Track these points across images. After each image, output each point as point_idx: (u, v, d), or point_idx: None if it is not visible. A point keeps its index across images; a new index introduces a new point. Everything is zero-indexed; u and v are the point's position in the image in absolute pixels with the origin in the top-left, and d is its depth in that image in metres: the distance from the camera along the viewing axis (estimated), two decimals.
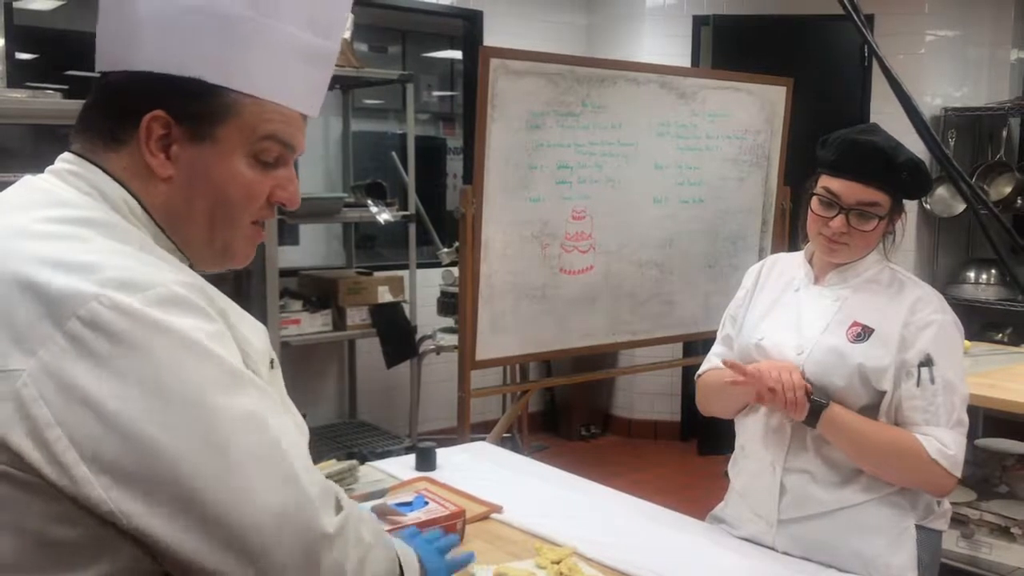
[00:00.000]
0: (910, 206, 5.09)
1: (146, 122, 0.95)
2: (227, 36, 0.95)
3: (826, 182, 1.85)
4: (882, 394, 1.80)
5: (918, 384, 1.78)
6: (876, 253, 1.91)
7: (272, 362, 1.02)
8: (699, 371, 2.13)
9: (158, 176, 0.96)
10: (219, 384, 0.87)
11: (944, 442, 1.75)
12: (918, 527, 1.84)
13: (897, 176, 1.80)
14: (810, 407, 1.78)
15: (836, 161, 1.84)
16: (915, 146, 1.76)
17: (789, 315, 1.93)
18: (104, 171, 0.96)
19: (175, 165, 0.96)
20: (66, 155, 0.99)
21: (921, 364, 1.78)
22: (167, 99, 0.94)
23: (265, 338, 1.02)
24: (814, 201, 1.87)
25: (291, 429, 0.95)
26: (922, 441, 1.76)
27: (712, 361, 2.09)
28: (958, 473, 1.77)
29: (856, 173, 1.81)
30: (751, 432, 1.96)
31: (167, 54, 0.94)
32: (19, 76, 3.82)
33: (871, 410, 1.81)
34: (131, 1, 0.95)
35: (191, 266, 1.02)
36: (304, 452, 0.95)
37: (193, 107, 0.95)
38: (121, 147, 0.96)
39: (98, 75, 1.00)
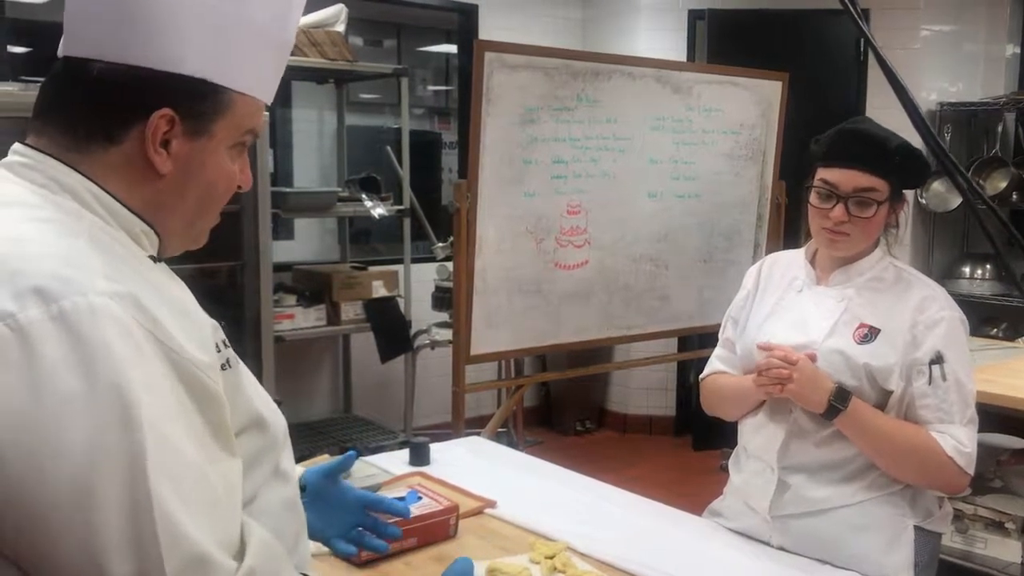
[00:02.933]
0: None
1: (154, 120, 0.93)
2: (229, 35, 0.95)
3: (822, 174, 1.85)
4: (889, 393, 1.79)
5: (930, 382, 1.77)
6: (879, 250, 1.90)
7: (227, 362, 0.99)
8: (702, 374, 2.12)
9: (157, 172, 0.95)
10: (96, 414, 0.79)
11: (960, 440, 1.75)
12: (917, 528, 1.83)
13: (891, 161, 1.79)
14: (831, 401, 1.76)
15: (829, 151, 1.84)
16: (912, 140, 1.76)
17: (793, 317, 1.91)
18: (68, 165, 0.93)
19: (173, 161, 0.96)
20: (19, 147, 0.96)
21: (932, 362, 1.77)
22: (175, 98, 0.93)
23: (210, 341, 0.96)
24: (812, 194, 1.87)
25: (187, 473, 0.84)
26: (938, 439, 1.75)
27: (714, 365, 2.08)
28: (971, 471, 1.77)
29: (850, 160, 1.81)
30: (750, 432, 1.96)
31: (171, 52, 0.92)
32: (11, 70, 3.80)
33: (879, 409, 1.80)
34: None
35: (157, 252, 1.01)
36: (195, 504, 0.84)
37: (199, 106, 0.95)
38: (112, 145, 0.94)
39: (63, 59, 0.94)
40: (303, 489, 1.29)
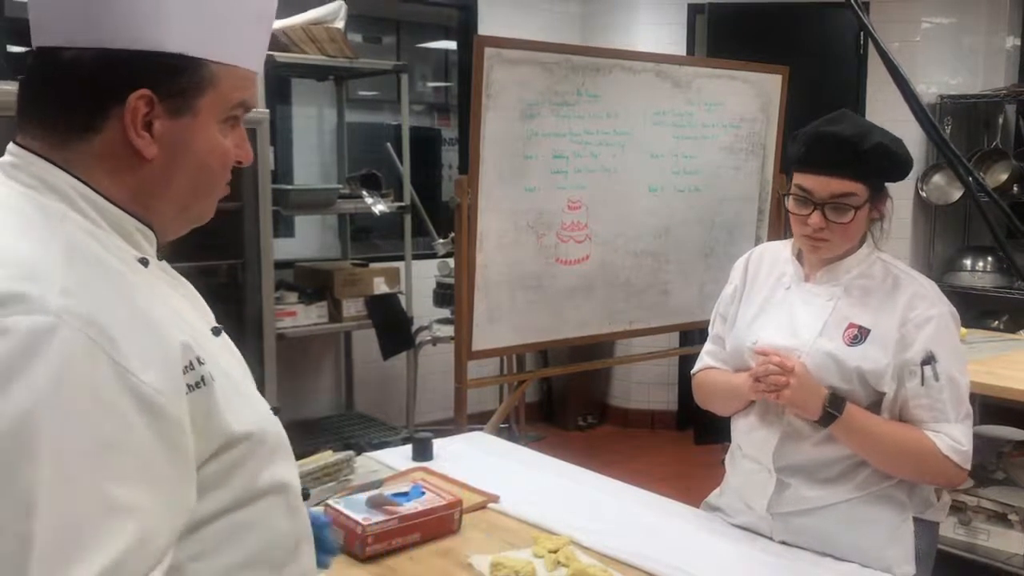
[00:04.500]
0: (906, 193, 5.11)
1: (132, 103, 0.90)
2: (205, 6, 0.92)
3: (798, 179, 1.83)
4: (882, 395, 1.78)
5: (923, 383, 1.75)
6: (866, 246, 1.87)
7: (202, 380, 0.91)
8: (694, 369, 2.11)
9: (143, 157, 0.92)
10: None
11: (955, 438, 1.74)
12: (915, 519, 1.83)
13: (866, 163, 1.75)
14: (827, 408, 1.76)
15: (803, 156, 1.81)
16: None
17: (782, 316, 1.89)
18: (55, 164, 0.91)
19: (158, 143, 0.92)
20: (11, 147, 0.93)
21: (924, 362, 1.75)
22: (151, 77, 0.90)
23: (177, 362, 0.89)
24: (790, 200, 1.84)
25: (90, 512, 0.78)
26: (934, 439, 1.74)
27: (705, 360, 2.08)
28: (968, 466, 1.76)
29: (823, 166, 1.77)
30: (744, 432, 1.95)
31: (144, 29, 0.89)
32: (11, 69, 3.80)
33: (873, 409, 1.79)
34: None
35: (158, 240, 0.98)
36: (89, 548, 0.77)
37: (177, 83, 0.91)
38: (94, 134, 0.91)
39: (35, 50, 0.91)
40: None
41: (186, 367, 0.89)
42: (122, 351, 0.82)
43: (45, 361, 0.78)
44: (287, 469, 1.04)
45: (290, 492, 1.04)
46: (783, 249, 1.99)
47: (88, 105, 0.90)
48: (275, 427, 1.03)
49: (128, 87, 0.89)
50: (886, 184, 1.85)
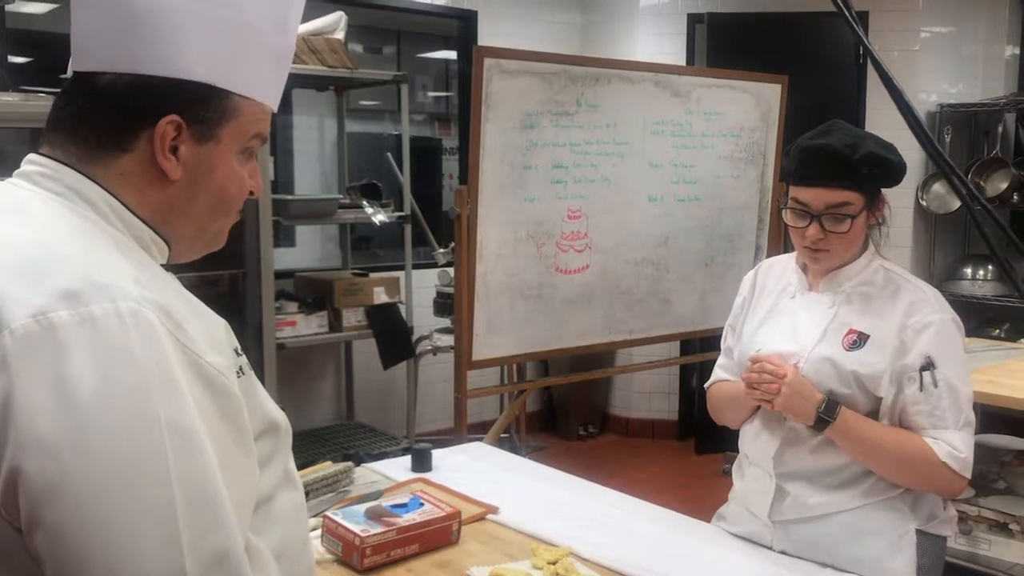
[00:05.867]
0: (907, 202, 5.10)
1: (162, 126, 0.95)
2: (231, 41, 0.98)
3: (794, 192, 1.85)
4: (880, 400, 1.79)
5: (921, 388, 1.76)
6: (868, 253, 1.88)
7: (240, 369, 1.00)
8: (707, 383, 2.13)
9: (168, 178, 0.97)
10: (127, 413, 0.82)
11: (954, 445, 1.74)
12: (920, 532, 1.82)
13: (857, 172, 1.77)
14: (819, 414, 1.77)
15: (796, 170, 1.84)
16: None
17: (785, 324, 1.91)
18: (84, 175, 0.95)
19: (183, 166, 0.98)
20: (35, 157, 0.98)
21: (923, 368, 1.76)
22: (180, 104, 0.96)
23: (227, 345, 0.98)
24: (787, 213, 1.87)
25: (205, 475, 0.86)
26: (932, 445, 1.74)
27: (717, 373, 2.10)
28: (968, 474, 1.76)
29: (816, 178, 1.80)
30: (749, 439, 1.96)
31: (176, 59, 0.95)
32: (13, 80, 3.81)
33: (871, 415, 1.80)
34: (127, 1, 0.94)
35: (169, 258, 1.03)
36: (213, 506, 0.85)
37: (204, 111, 0.98)
38: (123, 153, 0.96)
39: (74, 74, 0.97)
40: None
41: (234, 351, 1.00)
42: (188, 335, 0.90)
43: (138, 340, 0.84)
44: (294, 466, 1.11)
45: (300, 488, 1.11)
46: (789, 261, 2.02)
47: (120, 126, 0.96)
48: (288, 422, 1.10)
49: (159, 112, 0.95)
50: (883, 189, 1.86)
